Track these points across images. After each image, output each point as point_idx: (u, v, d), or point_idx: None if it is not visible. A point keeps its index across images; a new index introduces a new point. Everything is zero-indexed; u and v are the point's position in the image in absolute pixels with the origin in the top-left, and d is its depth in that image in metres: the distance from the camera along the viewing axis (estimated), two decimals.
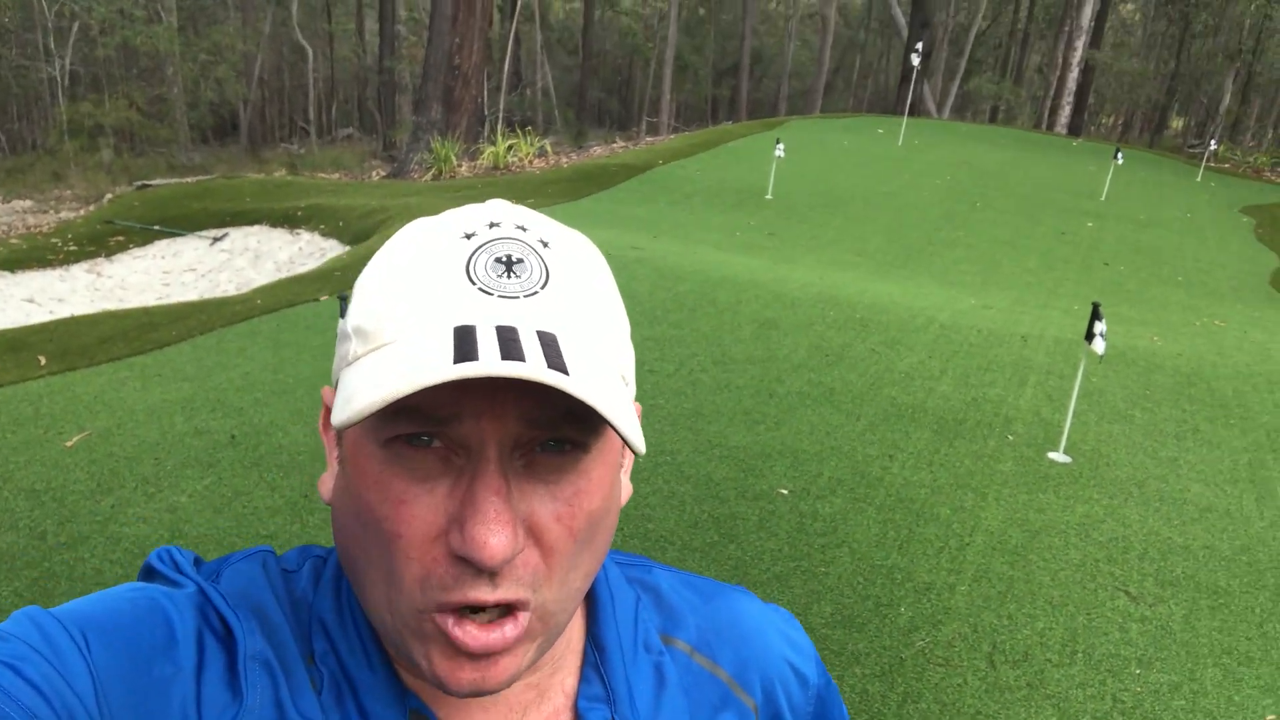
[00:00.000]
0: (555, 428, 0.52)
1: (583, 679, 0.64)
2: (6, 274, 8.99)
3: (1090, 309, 3.99)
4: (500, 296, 0.51)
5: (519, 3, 27.43)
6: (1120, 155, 12.06)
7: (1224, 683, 2.75)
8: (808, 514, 3.60)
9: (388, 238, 0.59)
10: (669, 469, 3.87)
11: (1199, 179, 14.69)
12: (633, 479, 3.11)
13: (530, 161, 13.70)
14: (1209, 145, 16.37)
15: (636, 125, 29.65)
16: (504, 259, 0.53)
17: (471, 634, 0.52)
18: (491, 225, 0.55)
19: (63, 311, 7.62)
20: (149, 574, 0.61)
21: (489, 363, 0.46)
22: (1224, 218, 11.87)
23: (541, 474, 0.53)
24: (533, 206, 10.05)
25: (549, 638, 0.56)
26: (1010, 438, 4.37)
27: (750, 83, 34.20)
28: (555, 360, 0.48)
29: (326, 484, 0.60)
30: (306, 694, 0.57)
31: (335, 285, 6.35)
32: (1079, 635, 2.95)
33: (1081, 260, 9.02)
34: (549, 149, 14.66)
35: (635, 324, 5.51)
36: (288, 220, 10.17)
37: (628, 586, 0.69)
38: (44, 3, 22.30)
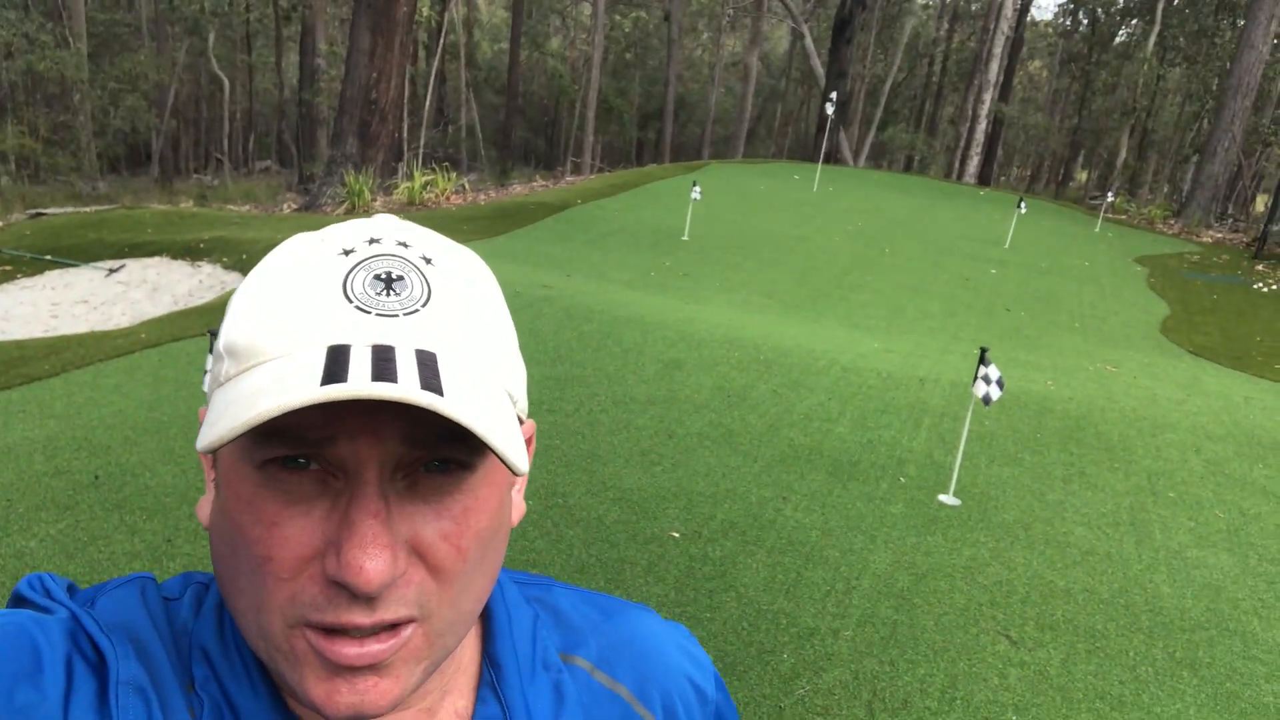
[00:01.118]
0: (437, 447, 0.50)
1: (478, 699, 0.62)
2: None
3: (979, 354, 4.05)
4: (378, 315, 0.49)
5: (444, 41, 27.42)
6: (1023, 205, 12.49)
7: None
8: (698, 557, 3.54)
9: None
10: (559, 511, 3.78)
11: (1098, 229, 15.30)
12: (520, 524, 2.95)
13: (448, 198, 13.58)
14: (1107, 197, 17.10)
15: (561, 165, 29.79)
16: (383, 276, 0.51)
17: (344, 649, 0.50)
18: (372, 241, 0.53)
19: None
20: (18, 601, 0.58)
21: (358, 384, 0.45)
22: (1119, 266, 12.35)
23: (425, 494, 0.51)
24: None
25: (434, 660, 0.54)
26: (902, 480, 4.39)
27: (674, 127, 34.70)
28: (431, 380, 0.47)
29: (204, 508, 0.58)
30: None
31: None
32: (959, 681, 2.93)
33: (984, 305, 9.25)
34: (467, 186, 14.57)
35: (538, 363, 5.43)
36: (190, 252, 9.84)
37: (526, 605, 0.68)
38: None
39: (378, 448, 0.49)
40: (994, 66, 23.47)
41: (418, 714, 0.60)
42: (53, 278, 9.55)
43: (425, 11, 23.99)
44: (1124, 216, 17.92)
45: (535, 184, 16.73)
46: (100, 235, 10.42)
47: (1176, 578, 3.71)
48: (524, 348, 5.66)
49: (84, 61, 22.35)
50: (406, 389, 0.45)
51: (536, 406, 4.79)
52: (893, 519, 3.99)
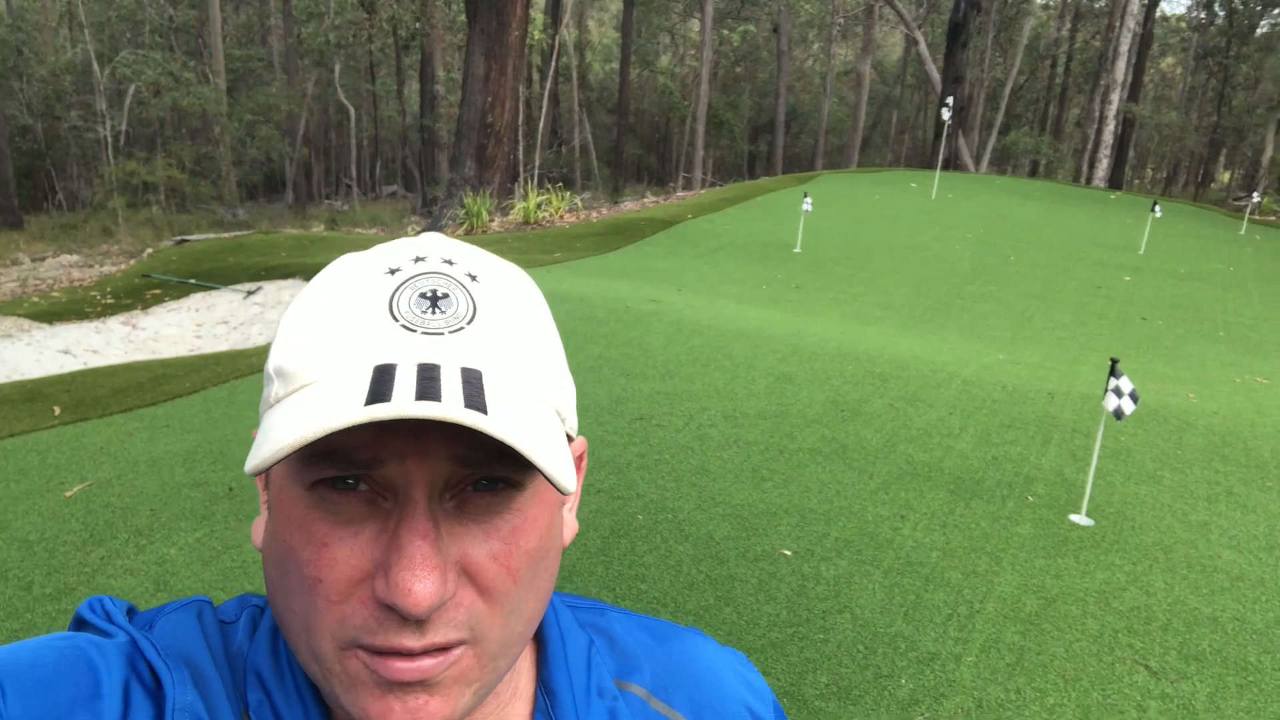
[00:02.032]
0: (486, 466, 0.50)
1: None
2: (45, 326, 9.18)
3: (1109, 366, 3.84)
4: (424, 333, 0.50)
5: (557, 63, 28.00)
6: (1158, 208, 11.84)
7: None
8: (810, 576, 3.45)
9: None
10: (668, 527, 3.75)
11: (1243, 232, 14.39)
12: (629, 538, 2.98)
13: (561, 216, 13.81)
14: (1253, 198, 16.07)
15: (673, 181, 29.94)
16: (429, 294, 0.52)
17: (396, 663, 0.50)
18: (417, 260, 0.54)
19: (96, 363, 7.73)
20: (79, 624, 0.59)
21: (402, 404, 0.45)
22: (1269, 270, 11.56)
23: (474, 514, 0.51)
24: (560, 260, 10.10)
25: (486, 683, 0.54)
26: (1030, 499, 4.19)
27: (786, 139, 34.44)
28: (475, 399, 0.47)
29: (258, 530, 0.58)
30: None
31: None
32: (1092, 712, 2.76)
33: (1116, 314, 8.80)
34: (579, 204, 14.79)
35: (646, 378, 5.44)
36: None
37: (580, 630, 0.68)
38: (98, 67, 23.17)
39: (425, 468, 0.49)
40: (1121, 65, 22.41)
41: None
42: (196, 300, 10.13)
43: (537, 35, 24.56)
44: (1272, 218, 16.79)
45: (646, 200, 16.84)
46: (238, 259, 11.01)
47: None
48: (632, 362, 5.68)
49: (223, 96, 23.76)
50: (450, 408, 0.45)
51: (645, 421, 4.79)
52: (1019, 540, 3.81)
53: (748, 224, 12.20)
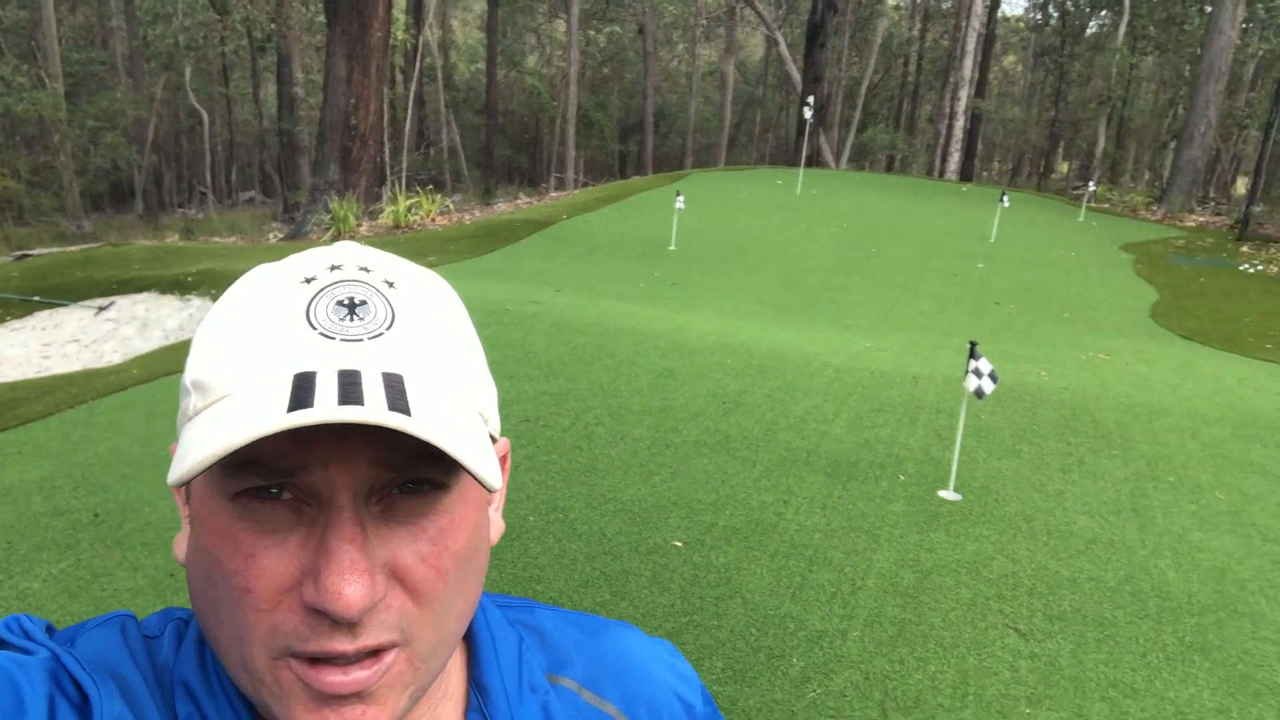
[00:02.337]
0: (410, 469, 0.50)
1: None
2: None
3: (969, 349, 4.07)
4: (343, 340, 0.50)
5: (421, 64, 27.48)
6: (1006, 198, 12.54)
7: (1110, 717, 2.75)
8: (701, 566, 3.53)
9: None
10: (560, 527, 3.77)
11: (1081, 219, 15.38)
12: (522, 540, 2.96)
13: (433, 219, 13.58)
14: (1089, 187, 17.19)
15: (544, 181, 29.84)
16: (346, 301, 0.51)
17: (329, 677, 0.50)
18: (333, 268, 0.54)
19: None
20: None
21: (325, 409, 0.45)
22: (1106, 255, 12.41)
23: (401, 517, 0.51)
24: (435, 264, 9.92)
25: (421, 685, 0.54)
26: (901, 478, 4.39)
27: (655, 138, 34.82)
28: (398, 402, 0.47)
29: (180, 545, 0.58)
30: None
31: None
32: (970, 676, 2.93)
33: (972, 300, 9.28)
34: (452, 206, 14.58)
35: (531, 379, 5.43)
36: (178, 286, 9.81)
37: (509, 628, 0.68)
38: None
39: (350, 473, 0.49)
40: (968, 63, 23.62)
41: None
42: (42, 318, 9.51)
43: (400, 36, 24.06)
44: (1107, 205, 18.02)
45: (519, 201, 16.75)
46: (88, 273, 10.39)
47: (1181, 562, 3.72)
48: (516, 364, 5.66)
49: (61, 101, 22.32)
50: (374, 411, 0.45)
51: (532, 423, 4.79)
52: (894, 517, 3.99)
53: (623, 223, 12.29)
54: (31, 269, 10.82)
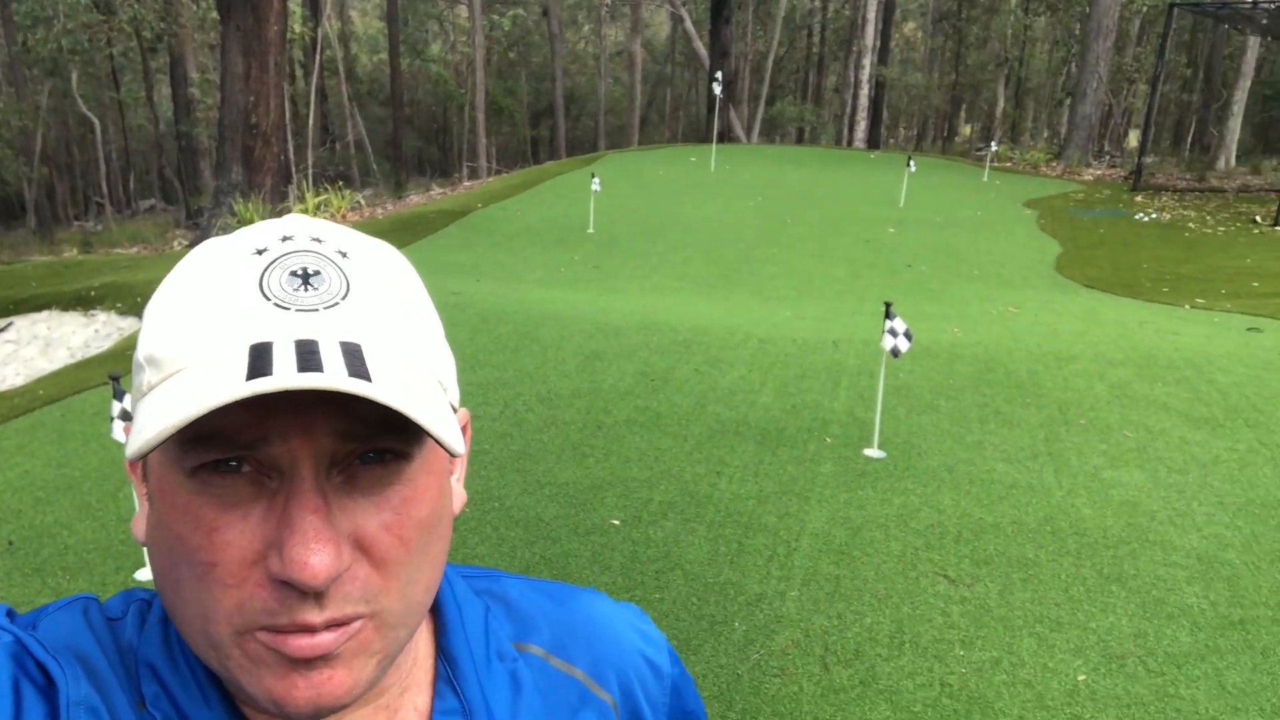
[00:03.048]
0: (371, 439, 0.50)
1: (436, 694, 0.62)
2: None
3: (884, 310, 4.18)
4: (298, 310, 0.49)
5: (321, 57, 26.80)
6: (912, 163, 12.84)
7: (1039, 651, 2.88)
8: (640, 541, 3.57)
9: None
10: (497, 514, 3.77)
11: (985, 179, 15.82)
12: (459, 531, 2.95)
13: (344, 215, 13.32)
14: (991, 147, 17.68)
15: (457, 171, 29.45)
16: (299, 272, 0.51)
17: (297, 640, 0.49)
18: (284, 239, 0.53)
19: None
20: None
21: (284, 376, 0.44)
22: (1010, 212, 12.80)
23: (364, 487, 0.51)
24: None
25: (388, 653, 0.54)
26: (828, 440, 4.49)
27: (567, 122, 34.61)
28: (358, 368, 0.46)
29: (139, 523, 0.57)
30: None
31: (129, 365, 5.92)
32: (905, 625, 3.03)
33: (885, 264, 9.50)
34: (363, 201, 14.31)
35: (457, 369, 5.38)
36: (81, 302, 9.44)
37: (475, 598, 0.68)
38: None
39: (310, 444, 0.49)
40: (869, 31, 24.01)
41: (377, 710, 0.60)
42: None
43: (297, 29, 23.42)
44: (1009, 164, 18.57)
45: (433, 192, 16.52)
46: None
47: (1096, 499, 3.89)
48: None
49: None
50: (334, 378, 0.45)
51: None
52: (824, 479, 4.09)
53: (540, 209, 12.23)
54: None
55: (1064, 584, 3.25)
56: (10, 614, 0.57)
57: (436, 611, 0.66)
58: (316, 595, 0.49)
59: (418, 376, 0.51)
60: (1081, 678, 2.76)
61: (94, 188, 28.75)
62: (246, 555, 0.49)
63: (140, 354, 0.52)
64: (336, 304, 0.50)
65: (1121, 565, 3.37)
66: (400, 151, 29.71)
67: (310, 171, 20.86)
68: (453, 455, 0.50)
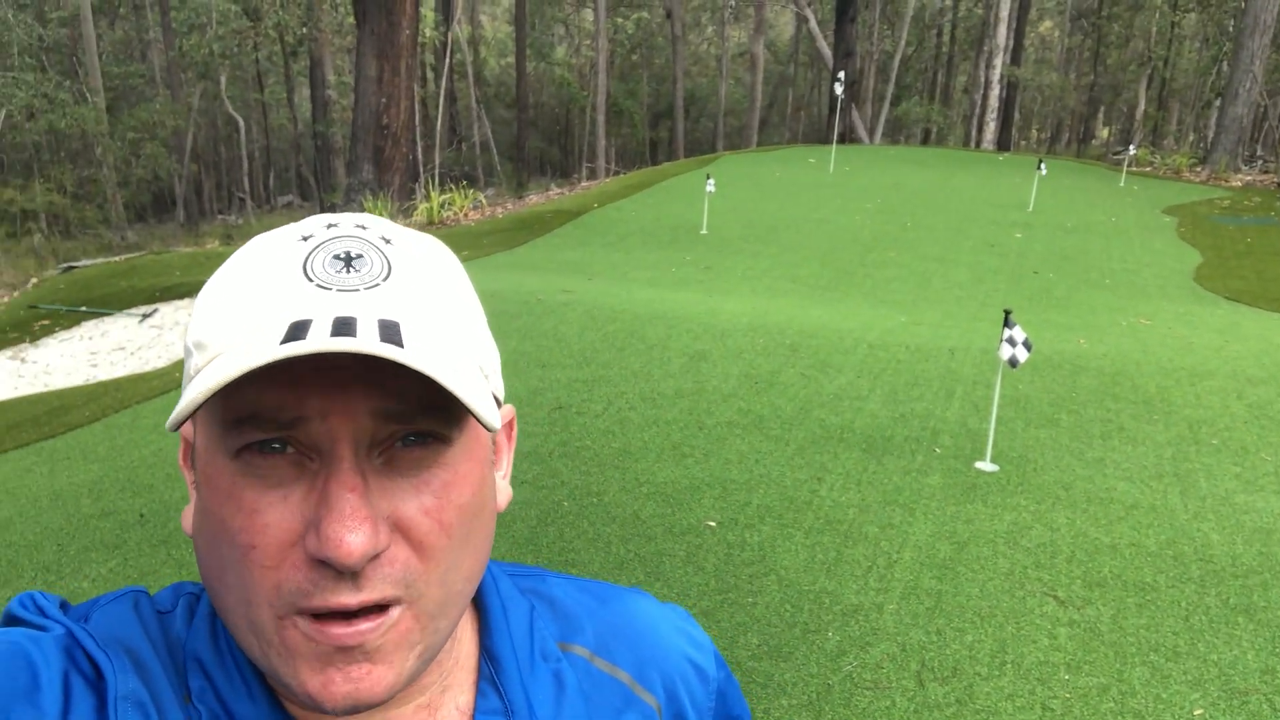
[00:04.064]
0: (410, 420, 0.50)
1: (479, 693, 0.62)
2: None
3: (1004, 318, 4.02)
4: (339, 290, 0.49)
5: (451, 60, 27.64)
6: (1043, 166, 12.31)
7: (1151, 681, 2.72)
8: (735, 544, 3.53)
9: None
10: (595, 511, 3.79)
11: (1122, 184, 15.06)
12: (557, 525, 2.98)
13: (466, 214, 13.68)
14: (1129, 150, 16.83)
15: (576, 172, 29.88)
16: (342, 255, 0.51)
17: (334, 628, 0.49)
18: (330, 226, 0.54)
19: None
20: (11, 621, 0.57)
21: (317, 341, 0.44)
22: (1147, 219, 12.14)
23: (404, 469, 0.51)
24: (468, 257, 9.97)
25: (428, 645, 0.53)
26: (938, 450, 4.35)
27: (686, 123, 34.67)
28: (392, 339, 0.47)
29: (187, 516, 0.57)
30: None
31: None
32: (1008, 645, 2.90)
33: (1010, 270, 9.14)
34: (484, 201, 14.67)
35: (563, 366, 5.46)
36: None
37: (520, 596, 0.68)
38: None
39: (350, 422, 0.49)
40: (1002, 30, 23.18)
41: (418, 710, 0.59)
42: (89, 328, 9.75)
43: (429, 33, 24.21)
44: (1149, 168, 17.61)
45: (551, 193, 16.80)
46: (131, 282, 10.62)
47: (1225, 525, 3.65)
48: (548, 353, 5.69)
49: (103, 115, 22.81)
50: (366, 342, 0.45)
51: (566, 410, 4.81)
52: (930, 490, 3.96)
53: (654, 209, 12.28)
54: (78, 280, 11.09)
55: (1184, 612, 3.05)
56: (64, 606, 0.59)
57: (481, 610, 0.66)
58: (353, 576, 0.49)
59: (455, 354, 0.52)
60: (1198, 712, 2.59)
61: (237, 184, 30.40)
62: (286, 537, 0.50)
63: (189, 340, 0.53)
64: (377, 285, 0.50)
65: (1251, 596, 3.15)
66: (523, 152, 30.35)
67: (437, 171, 21.52)
68: (487, 429, 0.49)
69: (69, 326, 9.72)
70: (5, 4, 25.12)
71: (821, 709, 2.64)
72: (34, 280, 12.01)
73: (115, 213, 22.87)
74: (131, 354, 8.97)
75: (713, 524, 3.69)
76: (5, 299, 11.29)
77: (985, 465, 4.17)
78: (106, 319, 9.88)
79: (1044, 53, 43.42)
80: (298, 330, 0.47)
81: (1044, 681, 2.72)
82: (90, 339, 9.46)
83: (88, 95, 23.37)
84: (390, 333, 0.47)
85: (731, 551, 3.48)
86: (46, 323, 9.82)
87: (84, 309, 10.05)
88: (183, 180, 27.05)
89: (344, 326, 0.47)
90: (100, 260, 12.59)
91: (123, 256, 12.53)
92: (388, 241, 0.54)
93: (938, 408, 4.87)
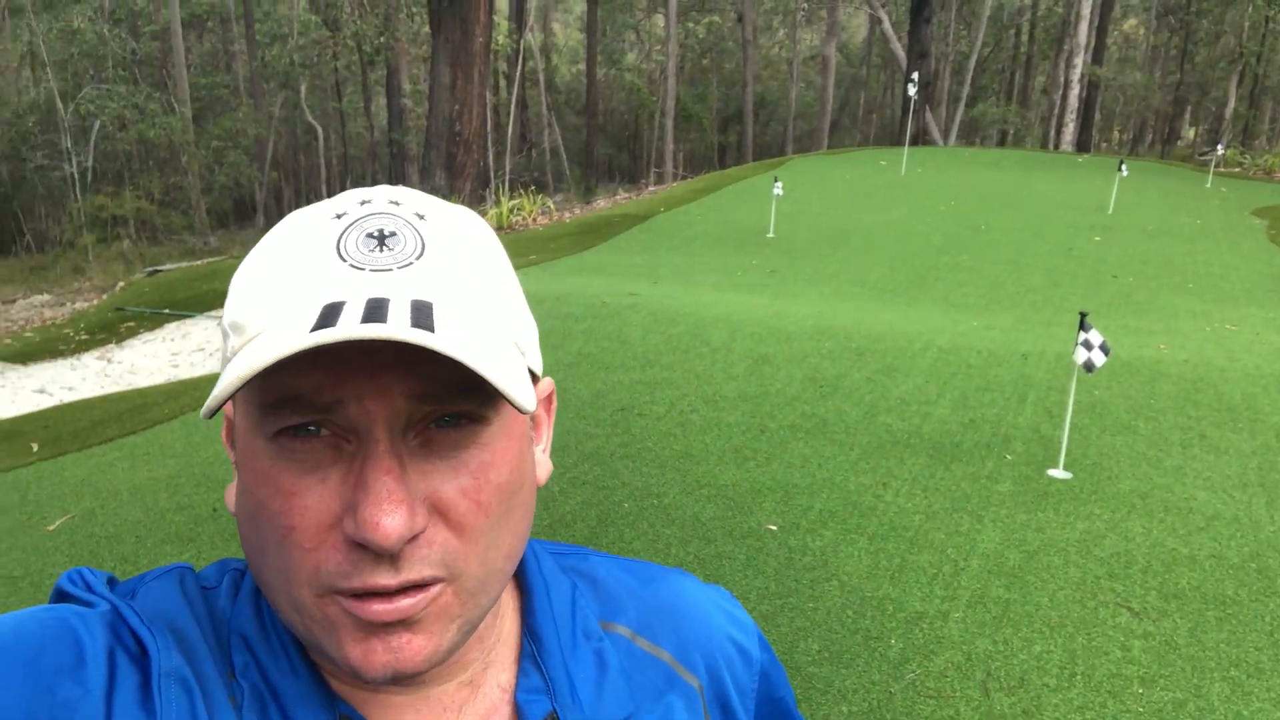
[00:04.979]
0: (445, 401, 0.50)
1: (520, 671, 0.62)
2: (19, 366, 9.13)
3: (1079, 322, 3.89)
4: (372, 270, 0.49)
5: (523, 68, 27.99)
6: (1124, 168, 11.93)
7: (1232, 697, 2.60)
8: (796, 549, 3.49)
9: None
10: (655, 513, 3.78)
11: (1208, 185, 14.52)
12: (616, 526, 2.98)
13: (534, 219, 13.82)
14: (1217, 151, 16.22)
15: (644, 177, 29.96)
16: (375, 233, 0.51)
17: (374, 605, 0.50)
18: (363, 203, 0.54)
19: (72, 399, 7.69)
20: (60, 596, 0.58)
21: (347, 327, 0.44)
22: (1235, 221, 11.67)
23: (441, 450, 0.51)
24: (535, 261, 10.07)
25: (469, 620, 0.54)
26: (1008, 457, 4.24)
27: (756, 127, 34.52)
28: (423, 322, 0.46)
29: (230, 495, 0.58)
30: (224, 709, 0.54)
31: None
32: (1078, 656, 2.81)
33: (1088, 274, 8.87)
34: (552, 206, 14.79)
35: (626, 368, 5.46)
36: None
37: (563, 575, 0.67)
38: (61, 105, 23.05)
39: (385, 405, 0.49)
40: (1083, 28, 22.56)
41: (460, 687, 0.60)
42: (171, 329, 10.10)
43: (502, 41, 24.55)
44: (1238, 169, 16.94)
45: (618, 197, 16.88)
46: (213, 286, 10.98)
47: None
48: (612, 355, 5.70)
49: (189, 125, 23.64)
50: (396, 328, 0.45)
51: (627, 411, 4.81)
52: (1000, 497, 3.86)
53: (720, 213, 12.24)
54: (162, 284, 11.50)
55: (1268, 627, 2.91)
56: (111, 581, 0.60)
57: (523, 588, 0.65)
58: (391, 558, 0.49)
59: (490, 336, 0.51)
60: None
61: (315, 191, 31.22)
62: (324, 519, 0.50)
63: (225, 321, 0.53)
64: (410, 264, 0.50)
65: None
66: (592, 158, 30.56)
67: (507, 177, 21.80)
68: (520, 411, 0.48)
69: (153, 328, 10.08)
70: (101, 19, 26.24)
71: (883, 716, 2.59)
72: (121, 284, 12.49)
73: (199, 219, 23.69)
74: (210, 355, 9.27)
75: (774, 528, 3.64)
76: (95, 301, 11.77)
77: (1058, 472, 4.05)
78: (188, 321, 10.23)
79: (1127, 51, 42.14)
80: (331, 313, 0.47)
81: (1116, 695, 2.63)
82: (172, 340, 9.80)
83: (175, 105, 24.26)
84: (422, 315, 0.47)
85: (793, 556, 3.44)
86: (132, 324, 10.21)
87: (167, 311, 10.42)
88: (263, 187, 27.89)
89: (376, 309, 0.47)
90: (184, 264, 13.04)
91: (205, 261, 12.97)
92: (421, 217, 0.53)
93: (1009, 413, 4.74)
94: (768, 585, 3.26)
